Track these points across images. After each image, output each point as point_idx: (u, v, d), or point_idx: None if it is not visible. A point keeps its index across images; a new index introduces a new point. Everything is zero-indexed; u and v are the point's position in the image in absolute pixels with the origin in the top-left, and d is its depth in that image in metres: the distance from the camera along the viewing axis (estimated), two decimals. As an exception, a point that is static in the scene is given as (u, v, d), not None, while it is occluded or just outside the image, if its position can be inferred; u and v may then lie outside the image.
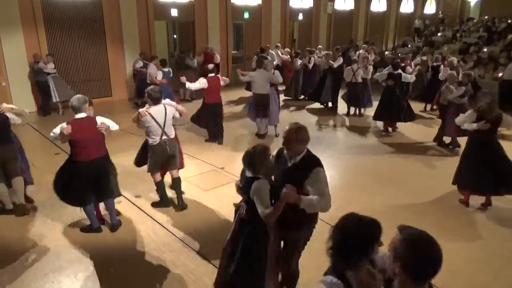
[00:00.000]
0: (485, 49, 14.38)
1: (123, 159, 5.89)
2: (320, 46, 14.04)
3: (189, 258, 4.07)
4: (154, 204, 5.20)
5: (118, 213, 4.87)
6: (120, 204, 5.14)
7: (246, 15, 14.86)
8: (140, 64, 10.87)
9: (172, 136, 4.89)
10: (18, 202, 4.88)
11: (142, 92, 10.21)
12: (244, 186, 2.93)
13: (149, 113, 4.60)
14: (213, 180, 6.05)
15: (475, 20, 21.05)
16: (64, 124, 4.08)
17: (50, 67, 9.72)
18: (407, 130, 8.77)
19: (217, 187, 5.78)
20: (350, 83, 9.74)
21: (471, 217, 5.01)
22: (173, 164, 5.01)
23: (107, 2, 11.05)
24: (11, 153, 4.79)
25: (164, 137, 4.75)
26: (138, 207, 5.18)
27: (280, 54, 12.17)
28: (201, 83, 7.32)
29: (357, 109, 10.16)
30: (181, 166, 5.48)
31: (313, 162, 2.85)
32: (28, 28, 9.99)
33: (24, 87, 10.10)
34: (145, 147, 4.97)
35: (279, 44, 13.34)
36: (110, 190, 4.49)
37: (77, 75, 11.02)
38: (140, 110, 4.64)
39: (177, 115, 4.93)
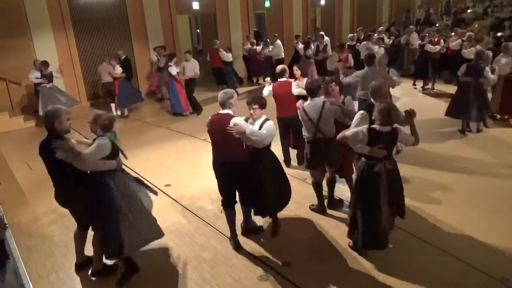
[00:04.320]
0: (520, 24, 13.67)
1: (152, 149, 6.07)
2: (322, 32, 13.72)
3: (217, 241, 4.23)
4: (313, 208, 4.72)
5: None
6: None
7: (267, 4, 14.79)
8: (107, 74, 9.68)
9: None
10: None
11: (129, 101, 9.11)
12: None
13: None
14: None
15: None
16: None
17: (35, 76, 8.87)
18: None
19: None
20: None
21: None
22: None
23: None
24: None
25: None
26: (169, 196, 5.35)
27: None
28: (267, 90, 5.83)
29: None
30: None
31: None
32: (58, 31, 10.41)
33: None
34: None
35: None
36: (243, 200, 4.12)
37: (106, 72, 11.35)
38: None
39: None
